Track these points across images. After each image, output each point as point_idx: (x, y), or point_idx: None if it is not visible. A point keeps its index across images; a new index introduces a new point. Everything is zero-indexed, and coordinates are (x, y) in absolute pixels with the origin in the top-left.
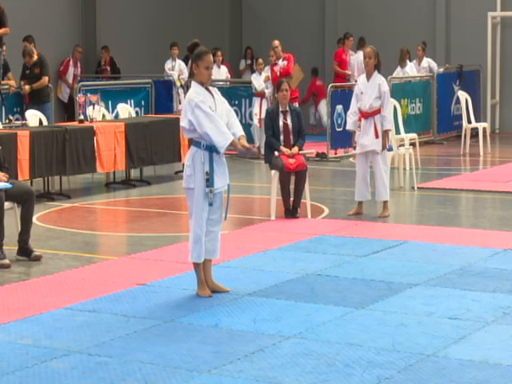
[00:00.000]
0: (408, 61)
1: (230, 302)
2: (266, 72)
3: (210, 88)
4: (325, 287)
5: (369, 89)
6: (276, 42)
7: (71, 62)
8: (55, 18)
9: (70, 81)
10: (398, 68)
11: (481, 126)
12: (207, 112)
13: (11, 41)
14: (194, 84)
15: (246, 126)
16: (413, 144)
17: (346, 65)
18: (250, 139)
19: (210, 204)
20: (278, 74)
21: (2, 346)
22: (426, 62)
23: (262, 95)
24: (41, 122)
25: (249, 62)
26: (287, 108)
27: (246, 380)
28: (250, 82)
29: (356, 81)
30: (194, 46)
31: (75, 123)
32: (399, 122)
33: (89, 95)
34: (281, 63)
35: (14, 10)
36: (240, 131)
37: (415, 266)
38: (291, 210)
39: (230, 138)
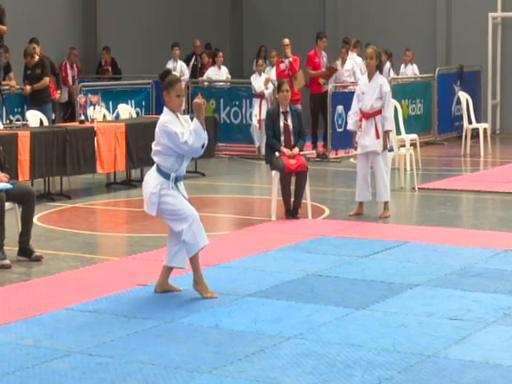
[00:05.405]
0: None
1: (231, 303)
2: (267, 73)
3: (180, 116)
4: (325, 288)
5: (370, 89)
6: (286, 41)
7: (68, 65)
8: (55, 18)
9: (70, 82)
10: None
11: (481, 126)
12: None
13: (12, 41)
14: (165, 111)
15: (247, 127)
16: (413, 144)
17: (320, 67)
18: (250, 140)
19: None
20: (284, 67)
21: (3, 346)
22: (350, 63)
23: (261, 96)
24: (41, 123)
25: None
26: (288, 109)
27: (246, 380)
28: (250, 83)
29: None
30: (165, 73)
31: (76, 124)
32: (400, 122)
33: (89, 96)
34: (287, 62)
35: (14, 10)
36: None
37: (416, 266)
38: (292, 211)
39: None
